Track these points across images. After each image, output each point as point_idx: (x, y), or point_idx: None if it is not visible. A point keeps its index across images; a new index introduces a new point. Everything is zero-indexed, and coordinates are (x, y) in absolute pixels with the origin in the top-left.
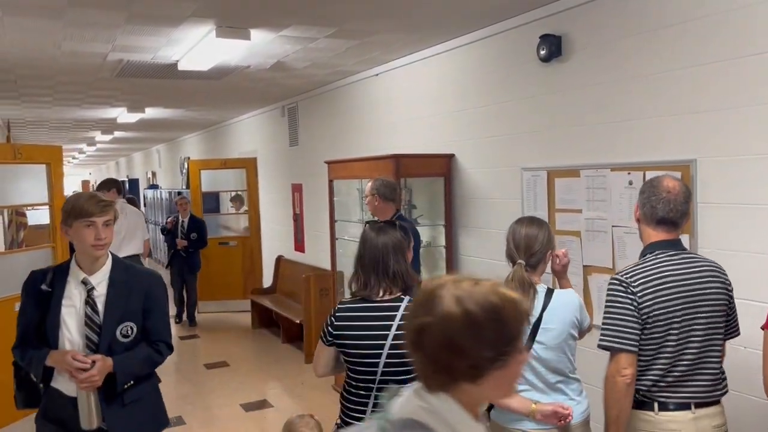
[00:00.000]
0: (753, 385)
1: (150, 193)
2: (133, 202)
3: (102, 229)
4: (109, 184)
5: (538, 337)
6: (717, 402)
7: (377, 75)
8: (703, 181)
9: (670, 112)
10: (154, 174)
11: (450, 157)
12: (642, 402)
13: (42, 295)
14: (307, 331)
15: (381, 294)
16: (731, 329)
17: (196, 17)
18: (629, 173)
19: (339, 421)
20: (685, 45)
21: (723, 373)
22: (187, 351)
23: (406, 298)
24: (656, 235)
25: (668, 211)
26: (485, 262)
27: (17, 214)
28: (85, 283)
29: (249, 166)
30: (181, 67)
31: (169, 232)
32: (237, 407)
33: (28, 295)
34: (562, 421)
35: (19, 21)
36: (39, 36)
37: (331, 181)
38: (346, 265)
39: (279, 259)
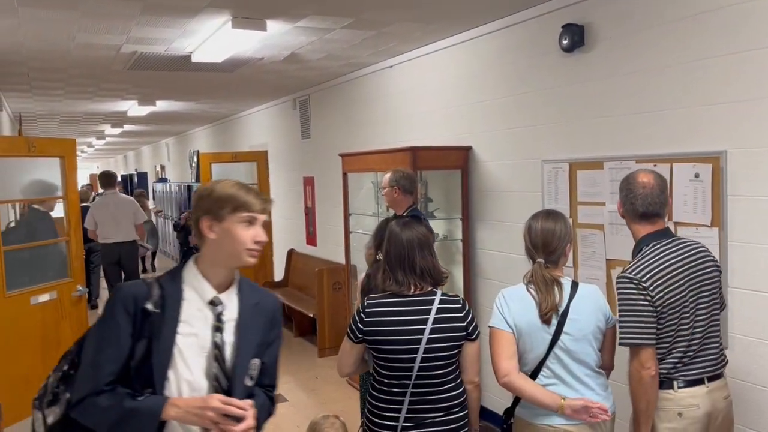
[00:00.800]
0: None
1: (159, 186)
2: (144, 195)
3: (262, 230)
4: (110, 178)
5: (565, 328)
6: (722, 375)
7: (391, 67)
8: (733, 173)
9: (699, 103)
10: (162, 167)
11: (467, 150)
12: (662, 382)
13: (146, 318)
14: (320, 325)
15: (412, 289)
16: (720, 303)
17: (213, 8)
18: (655, 165)
19: (366, 426)
20: (714, 34)
21: (723, 346)
22: None
23: (439, 292)
24: (644, 228)
25: (647, 205)
26: (503, 256)
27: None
28: (214, 303)
29: (260, 159)
30: (194, 59)
31: (182, 229)
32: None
33: (122, 319)
34: (593, 417)
35: (34, 12)
36: (54, 27)
37: (345, 174)
38: (360, 259)
39: (290, 253)
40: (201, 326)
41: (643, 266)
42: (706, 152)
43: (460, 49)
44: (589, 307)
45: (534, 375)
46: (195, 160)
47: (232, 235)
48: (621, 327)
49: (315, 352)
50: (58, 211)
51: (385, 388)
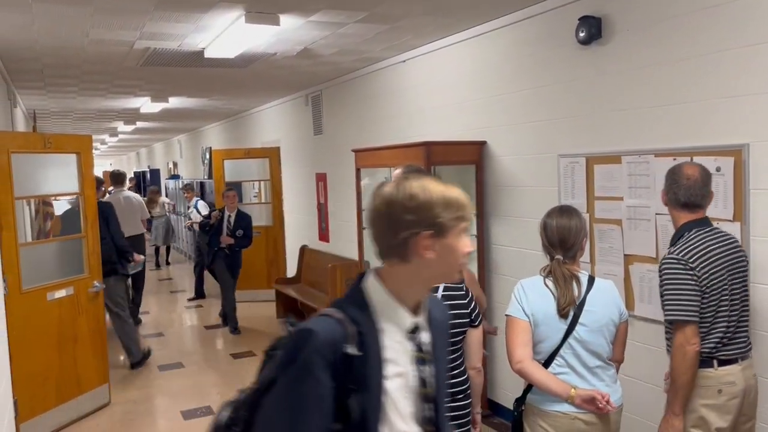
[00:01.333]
0: None
1: (171, 183)
2: (156, 192)
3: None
4: (120, 176)
5: (581, 320)
6: (750, 356)
7: (404, 62)
8: (755, 166)
9: (720, 95)
10: (175, 164)
11: (482, 144)
12: (702, 361)
13: (349, 365)
14: None
15: None
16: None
17: (226, 2)
18: (674, 159)
19: None
20: (734, 24)
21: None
22: (213, 340)
23: (441, 286)
24: (685, 216)
25: (689, 196)
26: (518, 252)
27: (44, 203)
28: (414, 330)
29: (272, 155)
30: (207, 54)
31: (211, 228)
32: None
33: (322, 374)
34: (601, 408)
35: (48, 8)
36: (67, 23)
37: (358, 170)
38: (374, 256)
39: (303, 249)
40: (403, 360)
41: (688, 248)
42: (728, 145)
43: (474, 42)
44: (604, 300)
45: (547, 363)
46: (207, 156)
47: (453, 250)
48: (667, 305)
49: None
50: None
51: None
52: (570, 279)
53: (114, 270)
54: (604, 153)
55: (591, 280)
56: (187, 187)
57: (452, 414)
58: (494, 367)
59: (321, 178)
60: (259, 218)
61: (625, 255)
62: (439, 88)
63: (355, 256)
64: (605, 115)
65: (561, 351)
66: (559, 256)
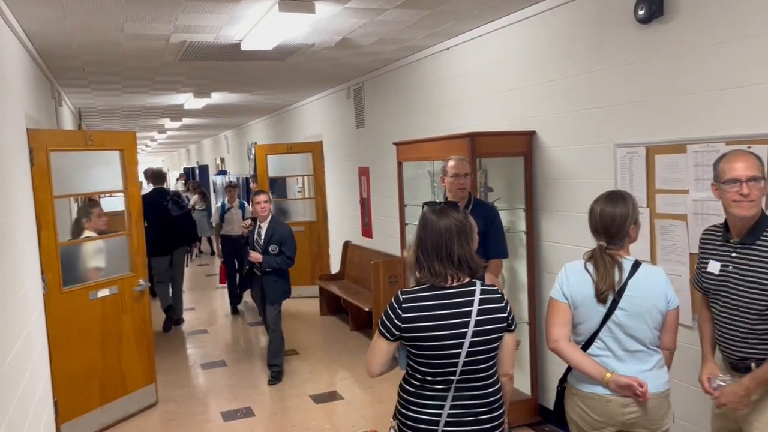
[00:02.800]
0: None
1: (219, 179)
2: (200, 187)
3: None
4: (159, 174)
5: (620, 304)
6: None
7: (448, 49)
8: None
9: None
10: (222, 160)
11: (531, 135)
12: None
13: None
14: (376, 320)
15: (449, 281)
16: None
17: None
18: (749, 147)
19: (399, 428)
20: None
21: None
22: (256, 338)
23: (479, 283)
24: None
25: None
26: (570, 249)
27: (89, 201)
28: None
29: (315, 149)
30: (244, 47)
31: (246, 242)
32: (306, 398)
33: None
34: (638, 395)
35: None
36: (100, 17)
37: (400, 164)
38: None
39: (346, 245)
40: None
41: None
42: None
43: (522, 26)
44: (648, 286)
45: (587, 345)
46: (253, 152)
47: None
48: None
49: None
50: (116, 205)
51: (427, 386)
52: (611, 264)
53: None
54: (667, 142)
55: (636, 266)
56: (230, 187)
57: (491, 425)
58: (544, 372)
59: (363, 173)
60: (303, 214)
61: (690, 254)
62: (484, 76)
63: (397, 251)
64: (668, 100)
65: (600, 334)
66: (602, 242)
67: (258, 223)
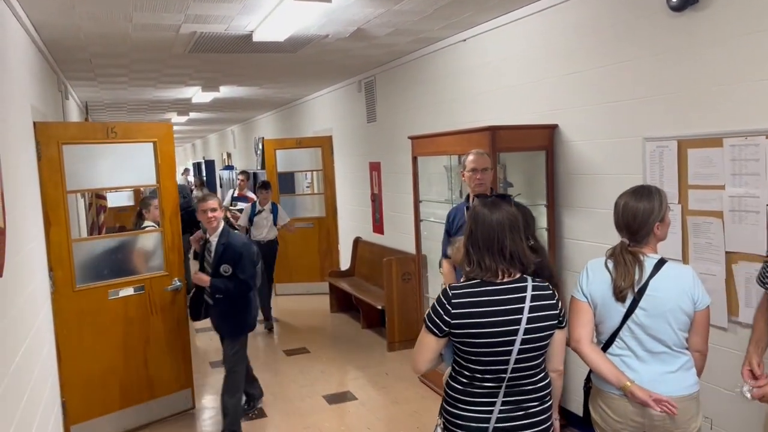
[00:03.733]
0: None
1: (225, 174)
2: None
3: None
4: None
5: (641, 303)
6: None
7: (464, 41)
8: None
9: None
10: (229, 155)
11: (553, 128)
12: None
13: None
14: (389, 319)
15: (500, 276)
16: None
17: None
18: None
19: (445, 426)
20: None
21: None
22: (266, 336)
23: (530, 279)
24: None
25: None
26: (594, 247)
27: (97, 196)
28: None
29: (324, 144)
30: (256, 38)
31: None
32: (319, 399)
33: None
34: (660, 409)
35: None
36: (108, 6)
37: (415, 158)
38: (432, 249)
39: (357, 241)
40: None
41: None
42: None
43: (544, 15)
44: (672, 286)
45: (608, 344)
46: (260, 147)
47: None
48: None
49: (384, 345)
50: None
51: (476, 383)
52: (632, 262)
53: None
54: (701, 135)
55: (660, 264)
56: (263, 188)
57: (542, 417)
58: (568, 373)
59: (375, 168)
60: (312, 209)
61: (726, 252)
62: (503, 68)
63: (410, 248)
64: (702, 91)
65: (620, 333)
66: (624, 239)
67: (207, 236)
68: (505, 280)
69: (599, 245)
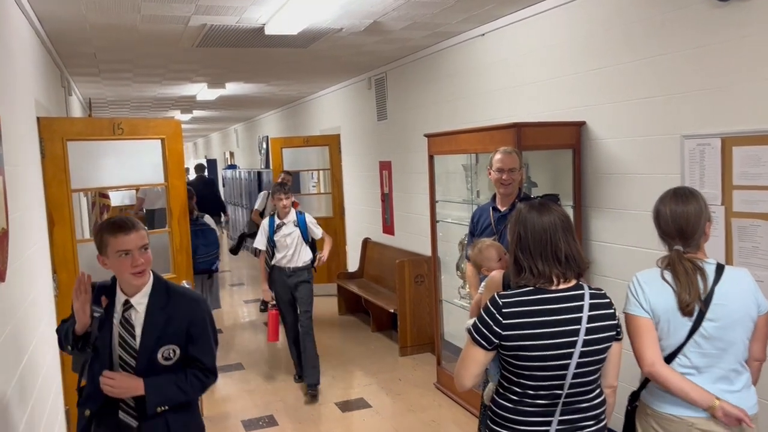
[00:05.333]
0: None
1: (228, 173)
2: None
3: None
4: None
5: (708, 315)
6: None
7: (483, 35)
8: None
9: None
10: (232, 154)
11: (580, 125)
12: None
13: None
14: (401, 322)
15: (555, 282)
16: None
17: None
18: None
19: None
20: None
21: None
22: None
23: (586, 286)
24: None
25: None
26: (624, 250)
27: (101, 195)
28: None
29: (332, 143)
30: (268, 31)
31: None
32: (332, 406)
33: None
34: (740, 424)
35: None
36: None
37: (431, 157)
38: (447, 251)
39: (366, 242)
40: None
41: None
42: None
43: (571, 8)
44: (738, 291)
45: (668, 361)
46: (264, 146)
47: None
48: None
49: (395, 350)
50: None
51: (528, 400)
52: (693, 272)
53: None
54: (748, 132)
55: (720, 269)
56: (280, 191)
57: None
58: None
59: (385, 167)
60: (318, 209)
61: None
62: (524, 63)
63: (422, 250)
64: (750, 86)
65: (685, 349)
66: (678, 247)
67: (121, 295)
68: (560, 287)
69: (629, 248)
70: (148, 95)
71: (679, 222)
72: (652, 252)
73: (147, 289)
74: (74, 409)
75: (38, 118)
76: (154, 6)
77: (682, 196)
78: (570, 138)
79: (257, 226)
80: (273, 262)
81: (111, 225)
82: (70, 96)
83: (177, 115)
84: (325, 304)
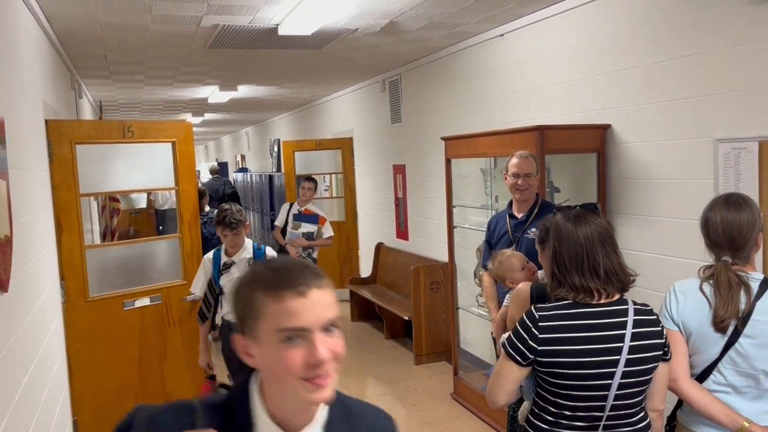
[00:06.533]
0: None
1: (240, 176)
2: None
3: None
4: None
5: (746, 330)
6: None
7: (502, 35)
8: None
9: None
10: (243, 157)
11: (605, 128)
12: None
13: None
14: (416, 330)
15: (596, 297)
16: None
17: None
18: None
19: None
20: None
21: None
22: None
23: (630, 301)
24: None
25: None
26: (652, 259)
27: (110, 199)
28: None
29: (344, 146)
30: (282, 31)
31: None
32: None
33: None
34: None
35: None
36: None
37: (448, 160)
38: (464, 257)
39: (379, 247)
40: None
41: None
42: None
43: (595, 7)
44: None
45: (701, 378)
46: (275, 149)
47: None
48: None
49: (410, 358)
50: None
51: (564, 422)
52: (737, 286)
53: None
54: None
55: (765, 285)
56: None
57: None
58: None
59: (399, 171)
60: (330, 213)
61: None
62: (546, 64)
63: (437, 256)
64: None
65: (719, 366)
66: (726, 258)
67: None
68: (602, 301)
69: (656, 256)
70: (159, 98)
71: (730, 231)
72: (681, 261)
73: (321, 417)
74: (82, 419)
75: (46, 121)
76: (166, 5)
77: (734, 203)
78: (594, 141)
79: (282, 248)
80: (218, 318)
81: (271, 272)
82: (81, 99)
83: (188, 117)
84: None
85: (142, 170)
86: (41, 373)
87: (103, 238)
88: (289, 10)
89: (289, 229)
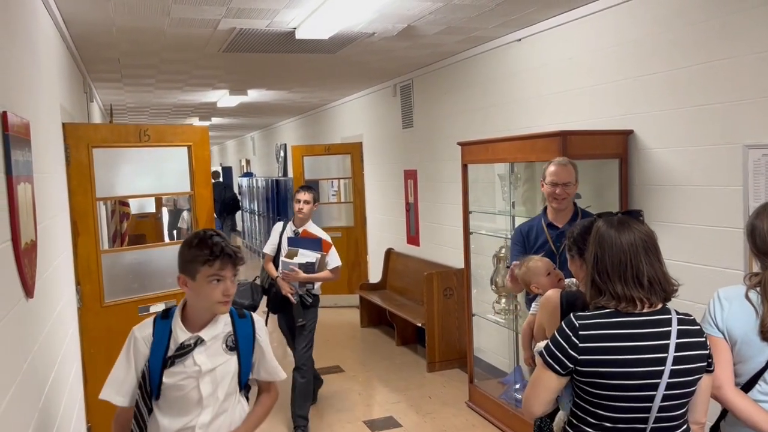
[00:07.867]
0: None
1: (245, 181)
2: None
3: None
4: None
5: None
6: None
7: (519, 40)
8: None
9: None
10: (248, 162)
11: (628, 134)
12: None
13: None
14: (429, 337)
15: (638, 306)
16: None
17: None
18: None
19: None
20: None
21: None
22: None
23: (673, 310)
24: None
25: None
26: (677, 267)
27: (120, 203)
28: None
29: (354, 151)
30: (299, 35)
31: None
32: (361, 425)
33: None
34: None
35: None
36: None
37: (464, 166)
38: (479, 264)
39: (389, 253)
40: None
41: None
42: None
43: (618, 11)
44: None
45: (747, 388)
46: (282, 153)
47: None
48: None
49: (422, 365)
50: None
51: None
52: None
53: None
54: None
55: None
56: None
57: None
58: None
59: (410, 176)
60: (339, 218)
61: None
62: (566, 69)
63: (449, 262)
64: None
65: (765, 375)
66: None
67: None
68: (645, 310)
69: (681, 264)
70: (168, 102)
71: None
72: (707, 268)
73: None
74: (97, 426)
75: (64, 124)
76: (184, 8)
77: None
78: (616, 147)
79: (272, 282)
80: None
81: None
82: (92, 102)
83: (195, 121)
84: (346, 315)
85: (155, 174)
86: (61, 381)
87: (113, 242)
88: (308, 14)
89: (282, 257)
